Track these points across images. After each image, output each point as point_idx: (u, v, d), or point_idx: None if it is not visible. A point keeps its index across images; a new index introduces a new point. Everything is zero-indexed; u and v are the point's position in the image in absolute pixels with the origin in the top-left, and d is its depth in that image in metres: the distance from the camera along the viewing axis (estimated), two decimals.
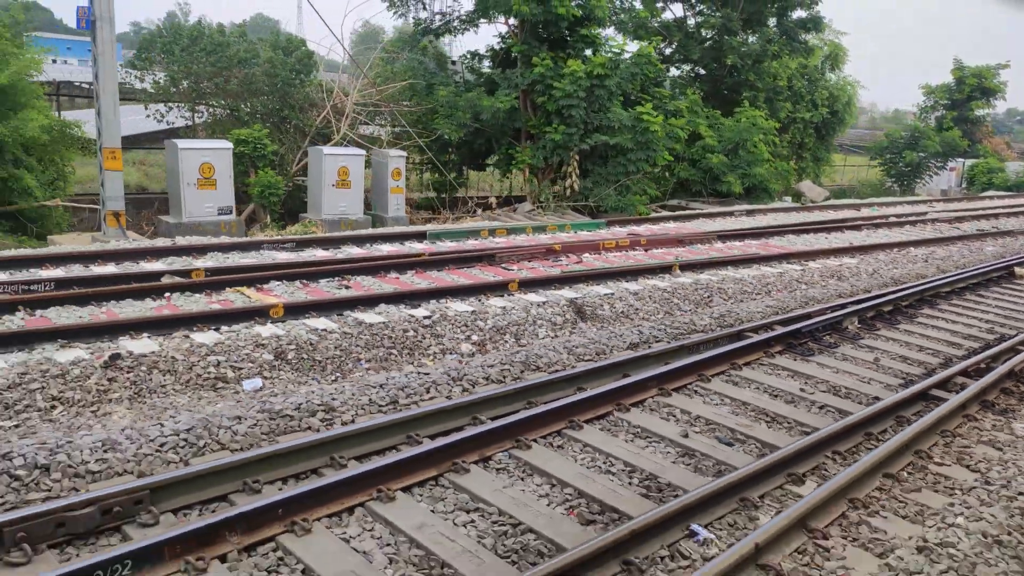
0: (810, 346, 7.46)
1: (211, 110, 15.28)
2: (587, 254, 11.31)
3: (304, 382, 6.26)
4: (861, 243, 14.11)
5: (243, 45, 14.89)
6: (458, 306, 8.05)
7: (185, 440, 4.55)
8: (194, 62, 14.35)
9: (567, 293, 9.01)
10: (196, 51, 14.39)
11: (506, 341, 7.72)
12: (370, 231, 12.44)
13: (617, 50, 16.87)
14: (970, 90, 36.44)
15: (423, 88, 17.51)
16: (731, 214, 17.57)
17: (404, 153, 15.83)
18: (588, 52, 17.35)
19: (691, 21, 24.34)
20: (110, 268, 8.80)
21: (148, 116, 15.02)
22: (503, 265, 10.23)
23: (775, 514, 4.16)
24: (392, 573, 3.57)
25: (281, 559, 3.60)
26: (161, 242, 10.69)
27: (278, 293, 8.14)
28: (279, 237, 11.53)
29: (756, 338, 7.16)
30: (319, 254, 10.35)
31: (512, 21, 17.87)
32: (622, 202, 17.12)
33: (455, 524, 3.98)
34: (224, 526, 3.55)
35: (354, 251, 10.68)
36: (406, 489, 4.26)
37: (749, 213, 17.98)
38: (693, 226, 15.36)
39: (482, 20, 18.78)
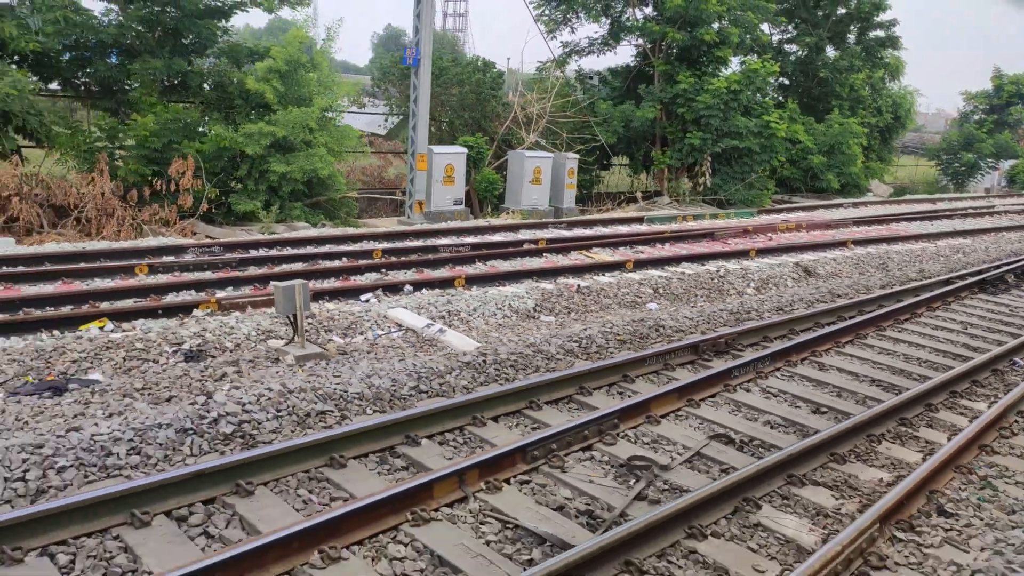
0: (991, 290, 10.71)
1: (434, 122, 18.64)
2: (771, 233, 14.57)
3: (674, 307, 9.52)
4: (964, 228, 17.32)
5: (457, 69, 18.20)
6: (729, 265, 11.33)
7: (636, 330, 7.79)
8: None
9: (788, 258, 12.28)
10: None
11: (769, 289, 10.97)
12: (596, 216, 15.73)
13: (754, 68, 20.10)
14: (1008, 96, 39.58)
15: (586, 101, 20.78)
16: (839, 206, 20.80)
17: (577, 155, 19.10)
18: (721, 69, 20.59)
19: (774, 38, 27.55)
20: (497, 237, 12.12)
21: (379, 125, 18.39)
22: (722, 241, 13.50)
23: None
24: (831, 398, 6.82)
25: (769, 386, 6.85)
26: (446, 224, 13.99)
27: (608, 255, 11.42)
28: (524, 222, 14.80)
29: (960, 283, 10.42)
30: (593, 232, 13.64)
31: (641, 42, 21.14)
32: (748, 196, 20.38)
33: (864, 362, 7.24)
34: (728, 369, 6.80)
35: (602, 230, 13.95)
36: (838, 348, 7.51)
37: (854, 205, 21.22)
38: (819, 215, 18.60)
39: (611, 42, 22.11)
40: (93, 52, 13.48)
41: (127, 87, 14.06)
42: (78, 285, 7.83)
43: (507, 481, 4.32)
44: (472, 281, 9.05)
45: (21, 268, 8.31)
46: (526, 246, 11.42)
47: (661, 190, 21.39)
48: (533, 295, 8.69)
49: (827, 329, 7.70)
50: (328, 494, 4.12)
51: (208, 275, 8.45)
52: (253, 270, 8.89)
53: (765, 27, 27.04)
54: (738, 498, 4.18)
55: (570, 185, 18.94)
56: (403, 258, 9.97)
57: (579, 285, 9.20)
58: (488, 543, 3.72)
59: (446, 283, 8.88)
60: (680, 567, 3.65)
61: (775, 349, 6.81)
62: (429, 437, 4.81)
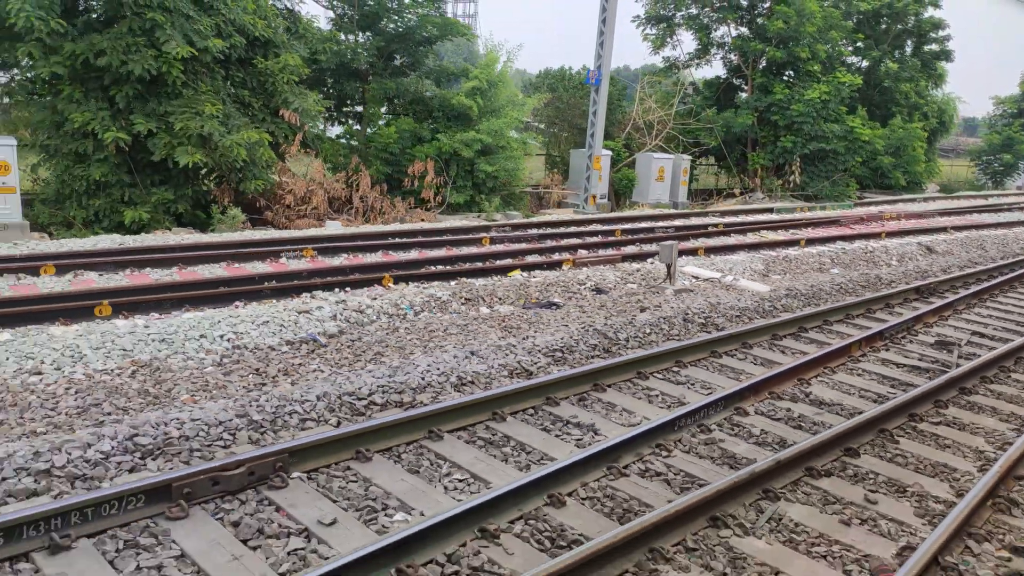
0: None
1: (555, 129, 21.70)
2: (880, 222, 17.60)
3: (855, 272, 12.53)
4: None
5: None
6: (869, 244, 14.36)
7: (858, 280, 10.84)
8: (558, 99, 20.76)
9: (910, 239, 15.30)
10: (561, 88, 20.78)
11: (906, 262, 13.99)
12: (722, 208, 18.75)
13: (843, 80, 23.13)
14: None
15: (696, 109, 23.83)
16: (913, 200, 23.85)
17: (690, 157, 22.16)
18: (810, 81, 23.63)
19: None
20: (679, 222, 15.15)
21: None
22: (847, 226, 16.53)
23: None
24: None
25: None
26: (626, 213, 17.03)
27: (774, 236, 14.43)
28: (675, 212, 17.84)
29: None
30: (749, 219, 16.65)
31: (732, 56, 24.18)
32: (833, 192, 23.42)
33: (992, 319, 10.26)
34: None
35: (747, 218, 16.97)
36: (1011, 290, 10.54)
37: (924, 200, 24.26)
38: (903, 208, 21.63)
39: (703, 56, 25.16)
40: (336, 74, 16.53)
41: (358, 102, 17.13)
42: (465, 250, 10.81)
43: (877, 350, 7.35)
44: (708, 251, 12.11)
45: (421, 238, 11.32)
46: (710, 228, 14.47)
47: (753, 187, 24.44)
48: (758, 261, 11.73)
49: (991, 282, 10.76)
50: (764, 358, 7.12)
51: (525, 246, 11.49)
52: (550, 243, 11.95)
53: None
54: (1011, 358, 7.22)
55: (684, 183, 22.04)
56: (642, 236, 13.02)
57: (786, 254, 12.24)
58: (881, 381, 6.74)
59: (691, 252, 11.92)
60: (1000, 383, 6.68)
61: (968, 292, 9.85)
62: (793, 336, 7.82)
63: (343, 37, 15.99)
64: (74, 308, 6.61)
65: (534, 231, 12.94)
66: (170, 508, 3.70)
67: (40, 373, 5.42)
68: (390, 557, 3.35)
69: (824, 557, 3.73)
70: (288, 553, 3.48)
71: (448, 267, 9.57)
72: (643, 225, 14.67)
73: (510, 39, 77.72)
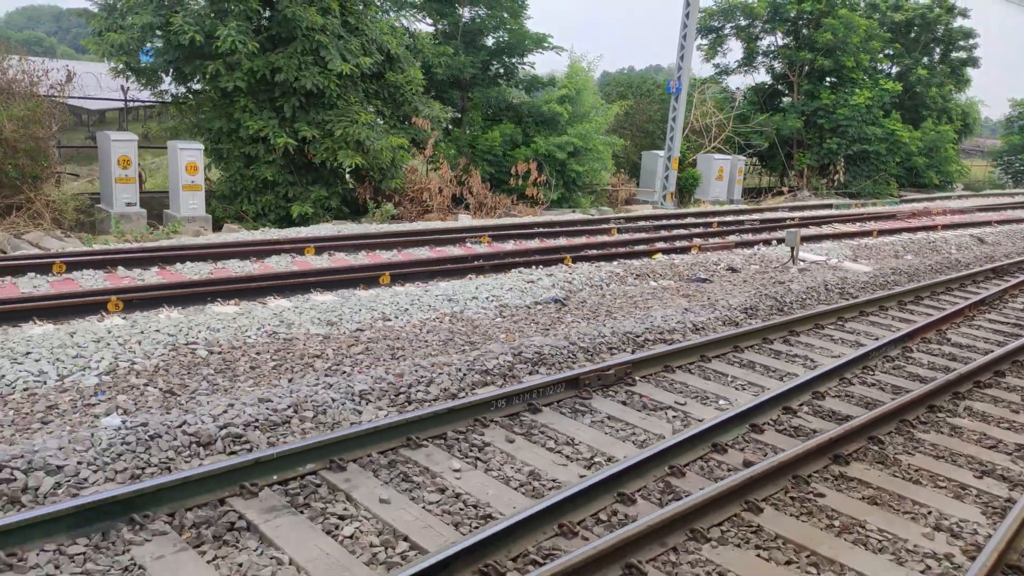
0: None
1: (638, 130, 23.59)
2: (930, 216, 19.45)
3: (927, 258, 14.37)
4: None
5: (659, 91, 23.12)
6: (929, 236, 16.20)
7: (940, 262, 12.69)
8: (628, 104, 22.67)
9: (962, 231, 17.14)
10: (629, 95, 22.65)
11: (967, 251, 15.82)
12: (779, 203, 20.59)
13: (886, 87, 25.00)
14: None
15: (746, 113, 25.71)
16: (948, 198, 25.69)
17: (744, 157, 24.02)
18: (853, 88, 25.52)
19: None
20: (758, 216, 17.00)
21: None
22: (903, 220, 18.37)
23: None
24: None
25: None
26: (702, 208, 18.87)
27: (845, 227, 16.28)
28: (748, 207, 19.68)
29: None
30: (815, 213, 18.49)
31: (776, 64, 26.04)
32: (875, 190, 25.28)
33: None
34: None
35: (812, 213, 18.81)
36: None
37: (958, 197, 26.12)
38: (942, 204, 23.48)
39: (749, 64, 27.02)
40: (442, 85, 18.37)
41: (459, 110, 18.98)
42: (601, 238, 12.66)
43: (983, 312, 9.19)
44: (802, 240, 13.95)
45: (559, 228, 13.18)
46: (787, 221, 16.32)
47: (799, 185, 26.30)
48: (845, 248, 13.58)
49: None
50: (900, 317, 8.95)
51: (647, 235, 13.34)
52: (664, 232, 13.80)
53: None
54: None
55: (739, 181, 23.90)
56: (735, 227, 14.87)
57: (864, 243, 14.09)
58: (995, 333, 8.57)
59: (751, 244, 13.78)
60: None
61: None
62: (913, 303, 9.66)
63: (452, 52, 17.82)
64: (365, 277, 8.48)
65: (644, 223, 14.79)
66: (579, 392, 5.56)
67: (389, 320, 7.28)
68: (743, 418, 5.21)
69: (1011, 428, 5.58)
70: (672, 417, 5.34)
71: (603, 251, 11.41)
72: (730, 219, 16.53)
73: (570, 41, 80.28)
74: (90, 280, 8.11)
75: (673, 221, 15.39)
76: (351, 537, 3.62)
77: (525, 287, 8.76)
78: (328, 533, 3.64)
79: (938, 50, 31.61)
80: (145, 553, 3.38)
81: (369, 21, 15.16)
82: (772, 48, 26.69)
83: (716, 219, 16.10)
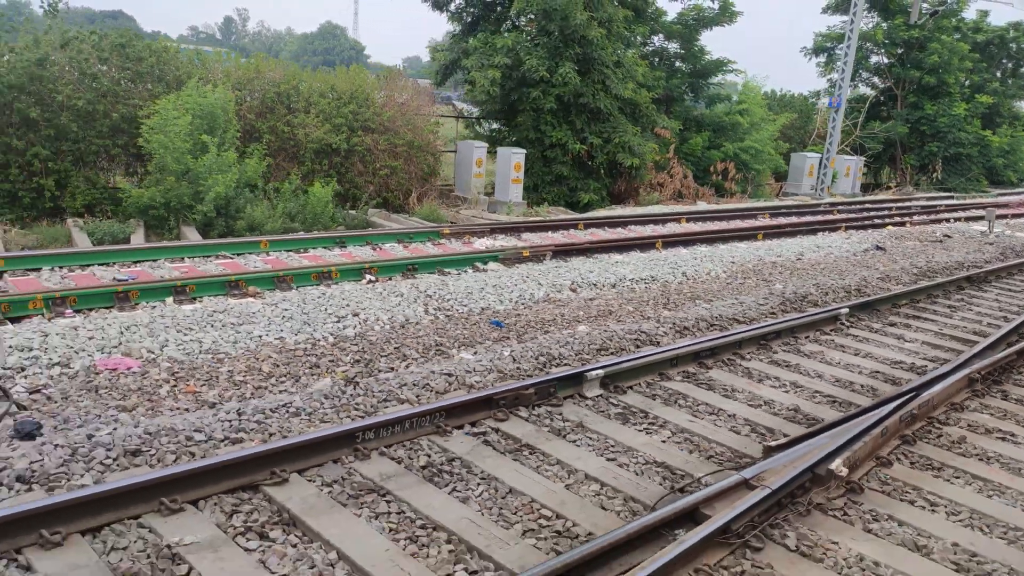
0: None
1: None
2: None
3: None
4: None
5: (791, 102, 28.02)
6: None
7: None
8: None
9: None
10: (778, 107, 27.60)
11: None
12: (891, 197, 25.51)
13: (981, 100, 29.78)
14: None
15: (864, 120, 30.59)
16: None
17: (863, 158, 28.91)
18: (952, 100, 30.38)
19: None
20: (910, 203, 21.93)
21: None
22: (1017, 208, 23.21)
23: None
24: None
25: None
26: (841, 200, 23.80)
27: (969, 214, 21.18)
28: (888, 197, 24.58)
29: None
30: (944, 203, 23.37)
31: (876, 79, 30.87)
32: (967, 186, 30.11)
33: None
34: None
35: (937, 203, 23.68)
36: None
37: None
38: None
39: (856, 79, 31.84)
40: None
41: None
42: (824, 217, 17.61)
43: None
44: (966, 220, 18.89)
45: (784, 210, 18.14)
46: (938, 207, 21.21)
47: (902, 182, 31.15)
48: (997, 225, 18.44)
49: None
50: None
51: (854, 215, 18.24)
52: (863, 213, 18.73)
53: None
54: None
55: (860, 178, 28.83)
56: (905, 211, 19.79)
57: (1009, 222, 18.98)
58: None
59: (942, 221, 18.69)
60: None
61: None
62: None
63: (663, 75, 22.77)
64: (747, 235, 13.48)
65: (843, 207, 19.75)
66: (929, 296, 10.54)
67: (652, 280, 12.26)
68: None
69: None
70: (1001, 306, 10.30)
71: (859, 222, 16.34)
72: (898, 205, 21.45)
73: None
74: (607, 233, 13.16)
75: (856, 206, 20.33)
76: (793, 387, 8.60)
77: (837, 243, 13.73)
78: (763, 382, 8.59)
79: (1010, 65, 36.36)
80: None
81: (629, 56, 20.18)
82: (881, 66, 31.49)
83: (888, 206, 21.03)
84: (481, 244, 11.13)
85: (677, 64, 24.15)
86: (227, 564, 3.27)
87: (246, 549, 3.40)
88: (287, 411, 4.85)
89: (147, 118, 11.98)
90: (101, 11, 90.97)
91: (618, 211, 17.62)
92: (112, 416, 4.74)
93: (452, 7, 20.42)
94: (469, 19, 20.57)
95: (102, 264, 8.47)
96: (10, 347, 5.63)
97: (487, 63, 17.80)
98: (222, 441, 4.37)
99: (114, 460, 4.04)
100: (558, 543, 3.58)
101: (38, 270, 7.97)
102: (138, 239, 10.86)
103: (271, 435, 4.49)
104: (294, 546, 3.46)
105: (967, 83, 35.97)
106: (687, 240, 12.68)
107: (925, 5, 28.74)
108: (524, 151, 18.61)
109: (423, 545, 3.52)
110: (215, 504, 3.71)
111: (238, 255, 9.36)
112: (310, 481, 3.99)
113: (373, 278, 8.59)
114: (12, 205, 12.04)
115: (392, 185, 16.16)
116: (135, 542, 3.37)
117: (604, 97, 18.80)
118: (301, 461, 4.10)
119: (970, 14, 33.15)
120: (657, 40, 24.20)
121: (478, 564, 3.39)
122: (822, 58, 32.16)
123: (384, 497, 3.91)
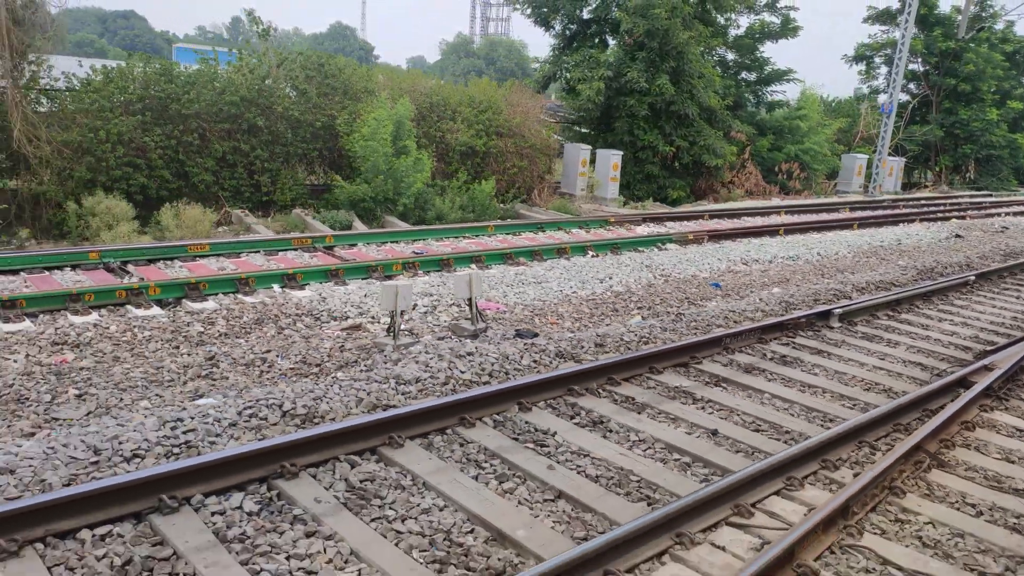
0: None
1: None
2: None
3: None
4: None
5: (843, 106, 30.38)
6: None
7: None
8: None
9: None
10: (827, 111, 29.97)
11: None
12: (931, 195, 27.84)
13: (1014, 107, 32.10)
14: None
15: (897, 125, 32.90)
16: None
17: (904, 158, 31.23)
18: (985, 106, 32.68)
19: None
20: (944, 202, 24.29)
21: None
22: None
23: None
24: None
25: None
26: (890, 197, 26.12)
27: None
28: (930, 195, 26.90)
29: None
30: (991, 199, 25.68)
31: (912, 86, 33.24)
32: (999, 185, 32.43)
33: None
34: None
35: (983, 199, 25.97)
36: None
37: None
38: None
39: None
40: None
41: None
42: (895, 211, 19.91)
43: None
44: (1014, 215, 21.19)
45: (858, 205, 20.46)
46: (983, 204, 23.51)
47: (938, 181, 33.46)
48: None
49: None
50: None
51: (915, 210, 20.54)
52: (923, 208, 21.06)
53: None
54: None
55: (900, 177, 31.17)
56: (957, 206, 22.10)
57: None
58: None
59: (994, 216, 20.99)
60: None
61: None
62: None
63: (732, 84, 25.12)
64: (764, 231, 15.83)
65: (901, 203, 22.05)
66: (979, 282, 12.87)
67: (797, 258, 14.58)
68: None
69: None
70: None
71: (926, 216, 18.65)
72: (948, 201, 23.76)
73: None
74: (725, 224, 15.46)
75: (911, 202, 22.65)
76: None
77: (918, 233, 16.03)
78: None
79: None
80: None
81: (709, 68, 22.53)
82: (918, 73, 33.80)
83: (940, 202, 23.37)
84: (642, 231, 13.46)
85: (743, 74, 26.50)
86: (640, 423, 5.60)
87: (668, 413, 5.73)
88: (633, 335, 7.12)
89: (346, 125, 14.33)
90: (112, 11, 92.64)
91: (708, 206, 19.93)
92: (531, 332, 7.07)
93: (557, 26, 22.80)
94: (568, 34, 22.93)
95: (393, 242, 10.84)
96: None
97: (591, 75, 20.14)
98: (617, 345, 6.70)
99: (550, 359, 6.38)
100: (885, 395, 5.92)
101: (354, 245, 10.30)
102: (359, 226, 13.20)
103: (636, 349, 6.82)
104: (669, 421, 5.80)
105: (994, 90, 38.33)
106: (803, 228, 15.00)
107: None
108: (621, 152, 20.94)
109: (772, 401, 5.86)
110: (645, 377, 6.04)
111: (477, 236, 11.70)
112: (685, 371, 6.32)
113: (595, 254, 10.91)
114: (235, 199, 14.37)
115: (519, 182, 18.49)
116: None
117: (691, 104, 21.13)
118: (689, 353, 6.43)
119: (997, 24, 35.53)
120: (720, 50, 26.55)
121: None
122: (861, 65, 34.52)
123: (750, 373, 6.23)
